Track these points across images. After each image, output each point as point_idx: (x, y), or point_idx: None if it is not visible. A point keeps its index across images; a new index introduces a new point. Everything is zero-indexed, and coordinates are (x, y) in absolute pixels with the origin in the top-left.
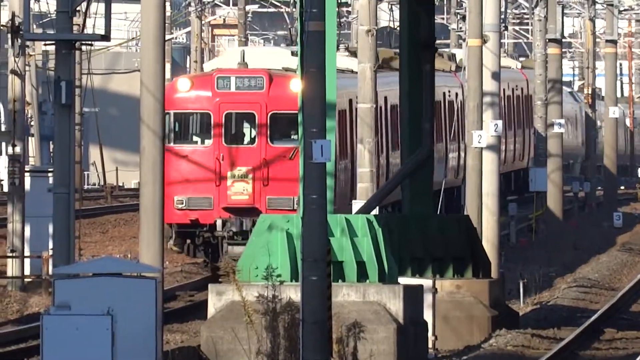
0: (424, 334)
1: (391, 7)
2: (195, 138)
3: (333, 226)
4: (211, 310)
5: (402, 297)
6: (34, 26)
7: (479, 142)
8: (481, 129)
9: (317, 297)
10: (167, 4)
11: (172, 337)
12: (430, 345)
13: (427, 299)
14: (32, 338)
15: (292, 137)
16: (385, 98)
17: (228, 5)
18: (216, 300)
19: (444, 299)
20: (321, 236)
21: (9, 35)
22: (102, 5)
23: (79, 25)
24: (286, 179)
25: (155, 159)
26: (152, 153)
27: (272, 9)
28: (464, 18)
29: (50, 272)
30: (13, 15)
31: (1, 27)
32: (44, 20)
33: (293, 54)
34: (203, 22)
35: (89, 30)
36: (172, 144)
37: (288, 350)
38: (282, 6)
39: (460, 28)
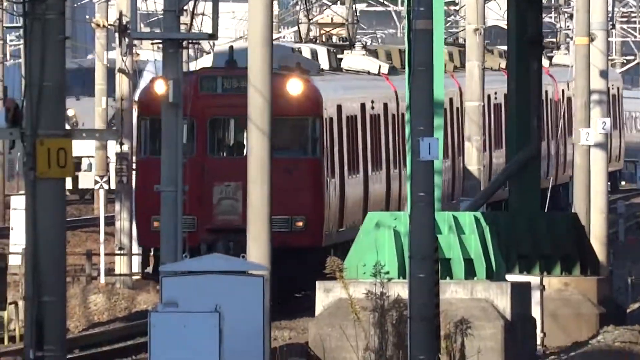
0: (532, 330)
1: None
2: None
3: (441, 224)
4: (319, 307)
5: (510, 294)
6: (142, 25)
7: (587, 140)
8: (589, 126)
9: (425, 294)
10: (275, 2)
11: (280, 334)
12: (538, 342)
13: (535, 296)
14: (140, 335)
15: (290, 147)
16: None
17: (336, 3)
18: (324, 297)
19: (552, 296)
20: (429, 234)
21: (117, 35)
22: (209, 4)
23: (186, 24)
24: (283, 195)
25: (263, 158)
26: (260, 152)
27: (380, 8)
28: (571, 17)
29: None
30: (120, 14)
31: (109, 27)
32: (151, 20)
33: (294, 50)
34: (311, 20)
35: (196, 29)
36: (148, 155)
37: (396, 346)
38: (390, 4)
39: (568, 27)
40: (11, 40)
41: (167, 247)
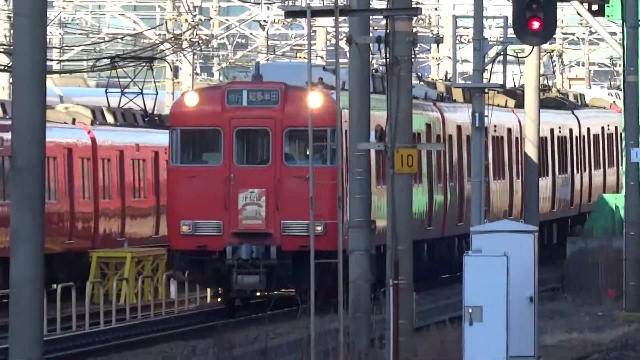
0: None
1: None
2: (204, 157)
3: None
4: (568, 253)
5: None
6: (458, 79)
7: None
8: None
9: (635, 244)
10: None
11: (541, 277)
12: None
13: None
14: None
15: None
16: None
17: (572, 65)
18: (571, 246)
19: None
20: (637, 206)
21: None
22: (499, 66)
23: (487, 78)
24: (302, 202)
25: (533, 160)
26: (531, 156)
27: (598, 68)
28: None
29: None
30: (446, 73)
31: (438, 82)
32: (466, 76)
33: (325, 68)
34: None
35: (492, 80)
36: (178, 164)
37: (613, 278)
38: (610, 66)
39: None
40: None
41: (475, 215)
